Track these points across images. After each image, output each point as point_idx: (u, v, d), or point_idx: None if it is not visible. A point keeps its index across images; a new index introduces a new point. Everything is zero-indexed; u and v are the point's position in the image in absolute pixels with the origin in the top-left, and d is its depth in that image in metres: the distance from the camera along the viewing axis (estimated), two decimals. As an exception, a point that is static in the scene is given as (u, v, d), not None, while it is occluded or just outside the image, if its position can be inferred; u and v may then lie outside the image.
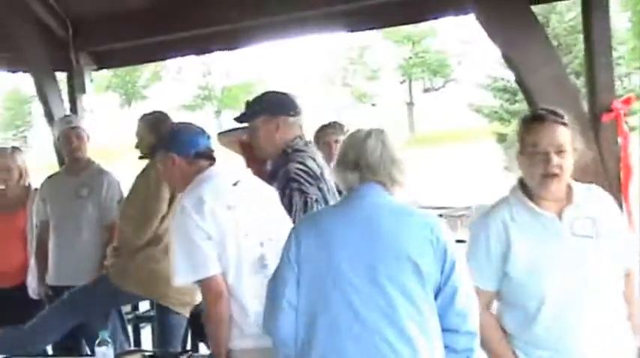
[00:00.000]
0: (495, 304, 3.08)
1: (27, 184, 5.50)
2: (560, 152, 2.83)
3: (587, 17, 4.51)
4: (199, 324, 3.90)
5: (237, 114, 4.12)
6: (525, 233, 2.91)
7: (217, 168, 3.41)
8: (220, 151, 3.84)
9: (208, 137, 3.51)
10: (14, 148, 5.60)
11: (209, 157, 3.43)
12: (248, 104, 4.08)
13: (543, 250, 2.87)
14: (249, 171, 3.72)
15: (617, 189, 4.34)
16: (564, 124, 2.88)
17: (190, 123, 3.59)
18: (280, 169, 3.83)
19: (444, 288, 2.64)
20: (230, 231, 3.17)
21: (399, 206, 2.73)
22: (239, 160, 4.50)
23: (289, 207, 3.66)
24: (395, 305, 2.58)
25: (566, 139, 2.87)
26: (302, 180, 3.75)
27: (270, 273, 2.87)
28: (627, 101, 4.40)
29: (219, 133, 4.71)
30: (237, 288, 3.17)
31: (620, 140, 4.39)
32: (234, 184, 3.34)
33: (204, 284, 3.16)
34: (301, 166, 3.80)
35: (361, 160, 2.76)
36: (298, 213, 3.68)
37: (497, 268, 2.95)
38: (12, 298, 5.21)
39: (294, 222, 3.47)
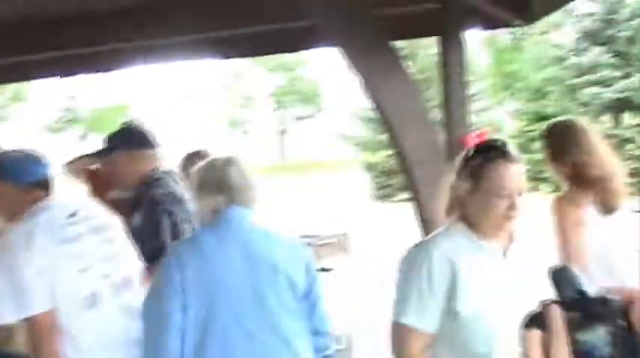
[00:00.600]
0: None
1: None
2: (519, 194, 2.60)
3: (444, 54, 4.73)
4: None
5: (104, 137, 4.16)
6: (472, 268, 2.63)
7: (54, 199, 3.22)
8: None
9: (47, 166, 3.31)
10: None
11: (46, 187, 3.23)
12: (107, 138, 4.16)
13: (492, 286, 2.63)
14: (91, 201, 3.61)
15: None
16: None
17: (29, 151, 3.35)
18: (143, 197, 3.91)
19: (309, 297, 3.03)
20: (62, 266, 3.01)
21: (266, 228, 3.01)
22: (83, 189, 4.48)
23: (157, 230, 3.74)
24: (276, 316, 2.90)
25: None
26: (167, 203, 3.86)
27: (106, 309, 2.95)
28: (480, 136, 4.63)
29: (65, 163, 4.69)
30: (71, 325, 3.01)
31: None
32: (71, 216, 3.15)
33: (34, 322, 2.95)
34: (164, 190, 3.92)
35: (224, 184, 2.96)
36: (167, 234, 3.76)
37: (441, 306, 2.61)
38: None
39: (163, 243, 3.61)
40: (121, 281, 3.16)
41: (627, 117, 26.55)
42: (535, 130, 28.28)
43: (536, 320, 1.06)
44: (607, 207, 3.72)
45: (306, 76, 51.94)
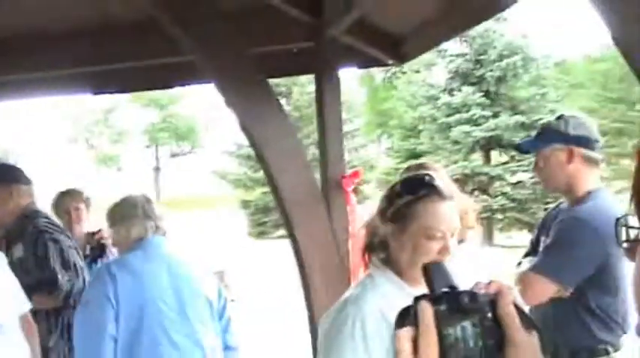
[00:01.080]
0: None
1: None
2: (452, 234, 2.34)
3: (320, 92, 4.75)
4: None
5: None
6: None
7: None
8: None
9: None
10: None
11: None
12: None
13: None
14: None
15: (345, 256, 4.55)
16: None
17: None
18: (25, 229, 4.03)
19: (222, 316, 3.53)
20: None
21: (180, 255, 3.48)
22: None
23: (45, 256, 3.92)
24: (197, 330, 3.29)
25: None
26: (52, 230, 4.05)
27: None
28: (354, 175, 4.65)
29: None
30: None
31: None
32: None
33: None
34: (46, 220, 4.14)
35: (149, 215, 3.41)
36: (56, 260, 3.95)
37: None
38: None
39: (53, 270, 3.87)
40: (3, 325, 3.09)
41: (496, 155, 27.54)
42: (408, 168, 28.99)
43: (408, 317, 1.05)
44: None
45: (181, 112, 51.54)
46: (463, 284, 1.07)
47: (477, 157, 27.12)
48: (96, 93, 6.05)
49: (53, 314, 4.08)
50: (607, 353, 3.16)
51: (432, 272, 1.09)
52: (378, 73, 43.87)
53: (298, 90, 30.05)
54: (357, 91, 43.92)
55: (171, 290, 3.27)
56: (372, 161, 33.92)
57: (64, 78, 5.65)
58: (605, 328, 3.18)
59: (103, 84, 5.71)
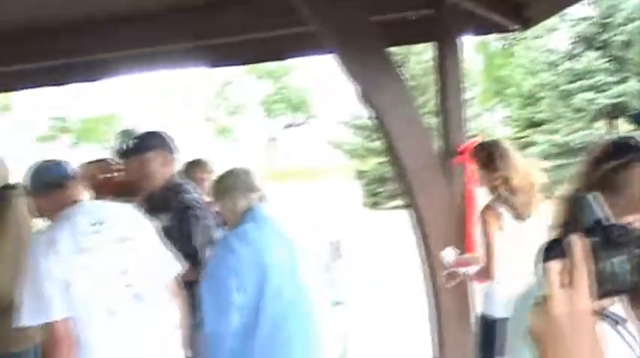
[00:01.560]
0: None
1: None
2: None
3: (440, 60, 4.71)
4: None
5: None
6: None
7: (80, 206, 3.24)
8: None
9: (57, 168, 3.38)
10: None
11: (63, 187, 3.30)
12: (136, 138, 4.32)
13: None
14: (121, 206, 3.49)
15: (464, 224, 4.54)
16: None
17: (40, 161, 3.46)
18: (169, 202, 4.06)
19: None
20: (82, 276, 3.02)
21: (289, 221, 3.68)
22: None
23: (190, 234, 3.96)
24: (310, 290, 3.53)
25: None
26: (196, 208, 4.08)
27: (123, 320, 3.00)
28: (475, 143, 4.61)
29: (78, 167, 4.64)
30: (87, 335, 3.02)
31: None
32: (95, 224, 3.16)
33: (50, 329, 2.99)
34: (191, 196, 4.14)
35: (253, 187, 3.60)
36: (199, 238, 4.00)
37: None
38: None
39: (195, 247, 3.94)
40: (140, 293, 3.13)
41: (622, 123, 26.53)
42: (527, 137, 28.30)
43: (555, 250, 1.06)
44: (521, 215, 4.44)
45: (295, 83, 51.94)
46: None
47: (601, 126, 26.22)
48: (213, 66, 6.19)
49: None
50: None
51: (584, 204, 1.09)
52: (494, 40, 42.91)
53: (414, 59, 29.73)
54: (473, 59, 43.11)
55: (284, 255, 3.47)
56: (488, 130, 33.31)
57: (183, 51, 5.80)
58: None
59: (220, 57, 5.83)
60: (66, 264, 2.99)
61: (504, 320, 3.75)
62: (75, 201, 3.26)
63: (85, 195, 3.46)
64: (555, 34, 29.21)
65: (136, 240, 3.25)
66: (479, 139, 4.73)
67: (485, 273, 4.47)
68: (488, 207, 4.53)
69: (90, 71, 6.19)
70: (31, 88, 7.06)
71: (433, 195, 4.39)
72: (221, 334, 3.33)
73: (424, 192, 4.37)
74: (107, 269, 3.09)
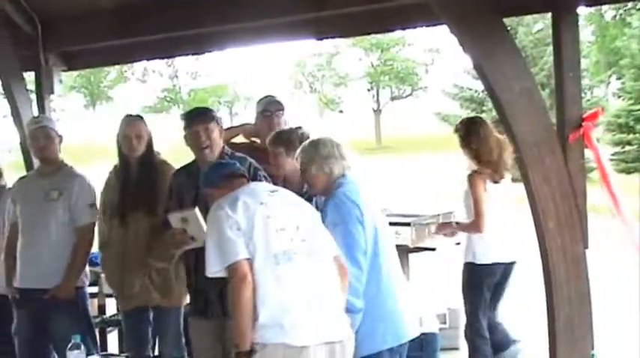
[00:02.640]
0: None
1: (2, 184, 5.50)
2: None
3: (556, 31, 4.56)
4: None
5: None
6: None
7: (250, 184, 3.74)
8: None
9: (234, 164, 3.99)
10: None
11: (239, 176, 3.82)
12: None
13: None
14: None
15: (582, 198, 4.41)
16: None
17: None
18: (243, 164, 4.30)
19: None
20: (260, 224, 3.35)
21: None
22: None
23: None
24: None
25: None
26: (260, 168, 4.45)
27: (298, 267, 3.32)
28: (594, 115, 4.46)
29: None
30: (263, 277, 3.28)
31: (589, 153, 4.49)
32: (271, 191, 3.61)
33: (231, 269, 3.29)
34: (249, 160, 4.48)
35: (344, 156, 3.96)
36: None
37: None
38: None
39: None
40: (313, 248, 3.43)
41: None
42: (641, 110, 27.29)
43: None
44: (495, 178, 5.49)
45: (401, 55, 51.45)
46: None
47: None
48: (319, 39, 6.20)
49: None
50: None
51: None
52: (608, 10, 41.43)
53: (523, 31, 29.07)
54: (585, 30, 41.75)
55: (377, 211, 3.97)
56: (601, 102, 32.30)
57: (289, 25, 5.84)
58: None
59: (326, 29, 5.82)
60: (247, 213, 3.36)
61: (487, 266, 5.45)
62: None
63: None
64: (675, 2, 27.90)
65: (306, 208, 3.66)
66: (600, 111, 4.57)
67: (474, 227, 5.44)
68: (475, 172, 5.49)
69: (200, 43, 6.31)
70: (144, 59, 7.24)
71: (549, 170, 4.29)
72: (360, 273, 3.72)
73: (539, 168, 4.28)
74: (283, 223, 3.41)
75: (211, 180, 3.83)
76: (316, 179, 3.98)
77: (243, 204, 3.40)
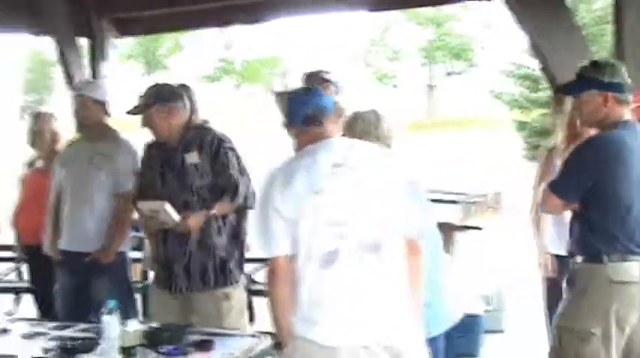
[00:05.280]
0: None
1: (57, 148, 5.61)
2: None
3: (618, 8, 4.44)
4: None
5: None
6: None
7: (327, 142, 3.17)
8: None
9: (314, 99, 3.28)
10: (47, 113, 5.77)
11: (316, 121, 3.21)
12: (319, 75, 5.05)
13: None
14: (371, 147, 3.37)
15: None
16: None
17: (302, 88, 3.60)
18: (203, 138, 4.41)
19: None
20: (310, 217, 3.02)
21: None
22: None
23: (225, 164, 4.33)
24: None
25: None
26: (228, 140, 4.44)
27: (344, 269, 2.98)
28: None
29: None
30: (305, 276, 3.04)
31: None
32: (336, 166, 3.07)
33: (272, 262, 3.10)
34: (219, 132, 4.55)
35: (382, 134, 3.79)
36: (234, 166, 4.37)
37: None
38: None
39: (230, 175, 4.32)
40: (368, 244, 3.03)
41: None
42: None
43: None
44: None
45: (457, 30, 50.87)
46: None
47: None
48: (371, 10, 6.14)
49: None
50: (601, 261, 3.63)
51: None
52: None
53: (584, 8, 28.42)
54: None
55: None
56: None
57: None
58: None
59: (378, 1, 5.76)
60: (297, 204, 3.01)
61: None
62: (321, 135, 3.19)
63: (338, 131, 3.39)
64: None
65: (376, 186, 3.10)
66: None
67: None
68: None
69: (254, 12, 6.30)
70: (197, 28, 7.26)
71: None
72: None
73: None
74: (337, 215, 3.03)
75: (296, 117, 3.29)
76: None
77: (294, 190, 3.02)
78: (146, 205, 4.28)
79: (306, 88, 3.39)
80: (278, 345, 3.17)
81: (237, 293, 4.45)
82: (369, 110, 3.88)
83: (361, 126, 3.78)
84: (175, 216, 4.08)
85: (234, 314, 4.40)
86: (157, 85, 4.56)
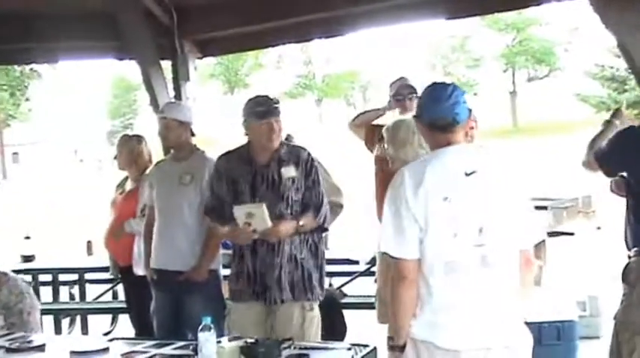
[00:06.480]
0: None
1: (146, 170, 5.73)
2: None
3: None
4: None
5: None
6: None
7: (457, 148, 3.10)
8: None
9: (449, 104, 3.13)
10: (136, 136, 5.93)
11: (444, 130, 3.10)
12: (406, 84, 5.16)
13: None
14: (497, 155, 3.26)
15: None
16: None
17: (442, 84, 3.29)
18: (299, 154, 4.38)
19: None
20: (437, 225, 2.99)
21: None
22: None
23: (316, 181, 4.36)
24: None
25: None
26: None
27: (465, 281, 2.97)
28: None
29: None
30: (426, 282, 3.04)
31: None
32: (468, 174, 3.01)
33: (397, 263, 3.06)
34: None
35: (422, 144, 3.74)
36: (322, 184, 4.39)
37: None
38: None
39: (319, 192, 4.33)
40: (488, 256, 3.01)
41: None
42: None
43: None
44: None
45: (538, 34, 50.12)
46: None
47: None
48: (449, 19, 6.08)
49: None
50: None
51: None
52: None
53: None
54: None
55: None
56: None
57: (419, 4, 5.76)
58: None
59: (456, 8, 5.70)
60: (428, 208, 2.98)
61: None
62: (447, 142, 3.11)
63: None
64: None
65: (500, 196, 3.06)
66: None
67: None
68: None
69: (331, 26, 6.31)
70: (276, 45, 7.32)
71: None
72: None
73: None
74: (463, 226, 2.99)
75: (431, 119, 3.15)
76: (393, 163, 4.01)
77: (425, 194, 2.98)
78: (242, 209, 4.23)
79: (449, 94, 3.17)
80: (394, 347, 3.12)
81: (317, 307, 4.47)
82: (411, 117, 3.56)
83: (404, 133, 3.96)
84: (269, 222, 4.07)
85: (315, 327, 4.41)
86: (267, 98, 4.45)
